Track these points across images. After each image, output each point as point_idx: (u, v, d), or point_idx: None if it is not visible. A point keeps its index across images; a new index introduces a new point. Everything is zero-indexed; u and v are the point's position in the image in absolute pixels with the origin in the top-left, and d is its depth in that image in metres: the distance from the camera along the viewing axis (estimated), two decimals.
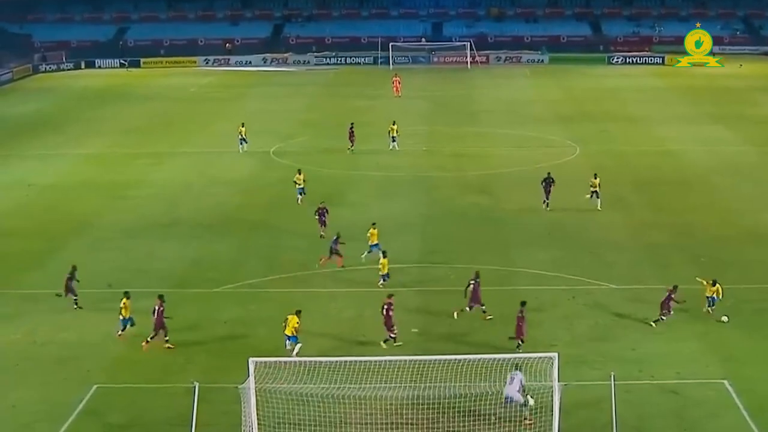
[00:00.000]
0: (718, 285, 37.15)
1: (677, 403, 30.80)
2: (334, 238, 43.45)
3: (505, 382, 29.26)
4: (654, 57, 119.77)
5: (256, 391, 27.72)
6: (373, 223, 44.40)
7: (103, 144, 72.94)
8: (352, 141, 67.90)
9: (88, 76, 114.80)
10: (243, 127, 68.49)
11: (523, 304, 34.71)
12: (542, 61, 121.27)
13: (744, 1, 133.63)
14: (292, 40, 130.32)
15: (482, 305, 37.21)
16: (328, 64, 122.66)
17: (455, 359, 29.61)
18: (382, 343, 34.87)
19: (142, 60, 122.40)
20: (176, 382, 32.14)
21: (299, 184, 54.09)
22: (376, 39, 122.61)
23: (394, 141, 68.17)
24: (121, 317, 35.74)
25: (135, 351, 35.15)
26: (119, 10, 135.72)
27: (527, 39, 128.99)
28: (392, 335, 34.96)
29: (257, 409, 27.96)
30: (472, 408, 29.32)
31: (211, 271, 43.90)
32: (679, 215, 51.89)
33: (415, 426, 29.09)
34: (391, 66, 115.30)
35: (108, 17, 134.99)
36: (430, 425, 28.97)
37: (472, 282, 37.36)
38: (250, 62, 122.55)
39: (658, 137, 72.66)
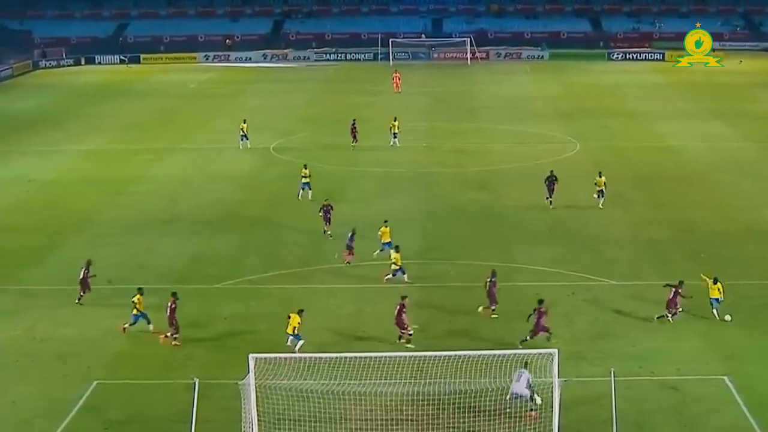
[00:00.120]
0: (719, 283, 36.85)
1: (677, 399, 30.78)
2: (350, 233, 43.37)
3: (512, 380, 29.27)
4: (654, 53, 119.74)
5: (256, 387, 27.70)
6: (385, 221, 44.30)
7: (103, 140, 72.93)
8: (354, 137, 67.89)
9: (88, 73, 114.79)
10: (245, 123, 68.47)
11: (541, 302, 34.60)
12: (542, 57, 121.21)
13: None
14: (292, 36, 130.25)
15: (496, 304, 37.19)
16: (328, 60, 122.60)
17: (455, 355, 29.62)
18: (407, 344, 34.49)
19: (142, 56, 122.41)
20: (176, 378, 32.13)
21: (305, 179, 53.90)
22: (376, 35, 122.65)
23: (395, 137, 68.15)
24: (134, 312, 35.75)
25: (135, 347, 35.17)
26: (119, 6, 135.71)
27: (527, 35, 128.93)
28: (408, 334, 34.64)
29: (257, 405, 27.95)
30: (472, 404, 29.30)
31: (211, 267, 43.89)
32: (680, 211, 51.87)
33: (415, 422, 29.09)
34: (391, 62, 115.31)
35: (108, 13, 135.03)
36: (430, 421, 28.98)
37: (489, 280, 37.35)
38: (250, 58, 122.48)
39: (658, 133, 72.64)
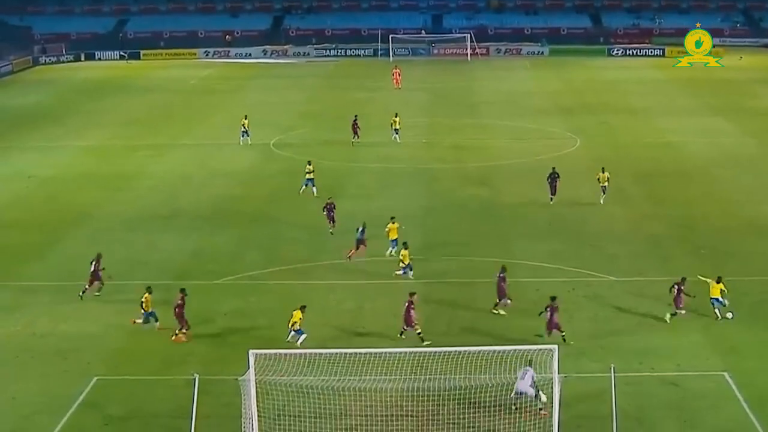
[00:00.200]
0: (722, 283, 36.40)
1: (677, 395, 30.77)
2: (361, 228, 43.25)
3: (517, 377, 29.25)
4: (654, 49, 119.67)
5: (256, 383, 27.69)
6: (392, 218, 44.07)
7: (103, 136, 72.89)
8: (356, 133, 67.85)
9: (88, 68, 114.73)
10: (246, 119, 68.44)
11: (553, 298, 34.56)
12: (542, 53, 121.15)
13: None
14: (292, 32, 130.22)
15: (500, 300, 37.19)
16: (328, 56, 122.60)
17: (455, 351, 29.62)
18: (423, 343, 34.20)
19: (142, 52, 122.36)
20: (176, 374, 32.11)
21: (309, 175, 53.81)
22: (376, 31, 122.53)
23: (396, 133, 68.11)
24: (143, 311, 35.71)
25: (135, 343, 35.16)
26: (119, 2, 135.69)
27: (527, 31, 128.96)
28: (417, 332, 34.62)
29: (257, 401, 27.93)
30: (472, 400, 29.32)
31: (211, 263, 43.87)
32: (680, 207, 51.85)
33: (415, 418, 29.07)
34: (391, 58, 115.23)
35: (108, 9, 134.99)
36: (431, 417, 28.97)
37: (498, 276, 37.34)
38: (250, 54, 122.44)
39: (658, 129, 72.61)
